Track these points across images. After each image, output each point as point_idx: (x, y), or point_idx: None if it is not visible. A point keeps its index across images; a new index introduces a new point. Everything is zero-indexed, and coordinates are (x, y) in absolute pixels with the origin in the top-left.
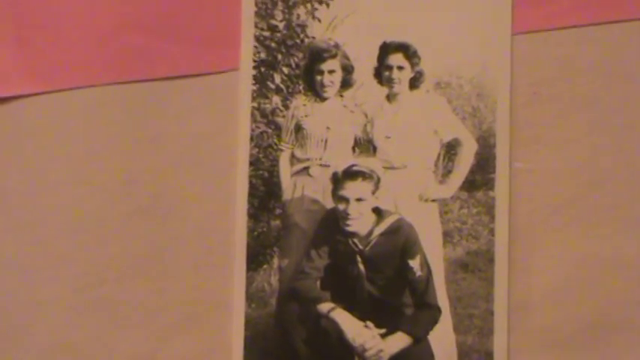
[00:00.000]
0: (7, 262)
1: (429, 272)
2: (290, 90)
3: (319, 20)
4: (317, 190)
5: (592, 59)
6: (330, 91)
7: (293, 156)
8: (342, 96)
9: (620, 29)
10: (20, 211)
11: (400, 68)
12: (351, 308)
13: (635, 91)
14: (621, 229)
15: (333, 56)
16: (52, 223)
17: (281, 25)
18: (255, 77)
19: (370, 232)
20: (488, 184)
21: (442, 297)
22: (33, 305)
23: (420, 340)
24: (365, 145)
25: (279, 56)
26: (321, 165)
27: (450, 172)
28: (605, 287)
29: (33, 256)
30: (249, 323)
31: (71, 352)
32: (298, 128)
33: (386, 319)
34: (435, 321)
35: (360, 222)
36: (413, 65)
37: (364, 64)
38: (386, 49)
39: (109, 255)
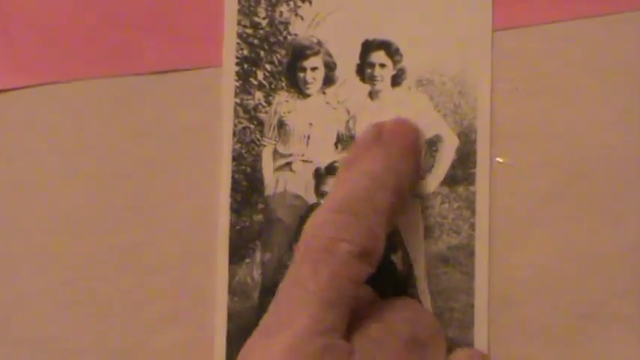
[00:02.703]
0: None
1: (410, 267)
2: (273, 86)
3: (302, 18)
4: (299, 185)
5: (573, 55)
6: (313, 88)
7: (276, 151)
8: (324, 93)
9: (602, 24)
10: (6, 204)
11: (382, 66)
12: None
13: (617, 85)
14: (602, 223)
15: (316, 53)
16: (38, 216)
17: (264, 23)
18: (237, 74)
19: None
20: (469, 179)
21: (423, 291)
22: (17, 298)
23: None
24: (347, 141)
25: (262, 53)
26: (303, 161)
27: (431, 167)
28: (586, 281)
29: (18, 249)
30: (231, 316)
31: (55, 345)
32: (281, 124)
33: None
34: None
35: None
36: (395, 63)
37: (346, 62)
38: (368, 47)
39: (93, 249)
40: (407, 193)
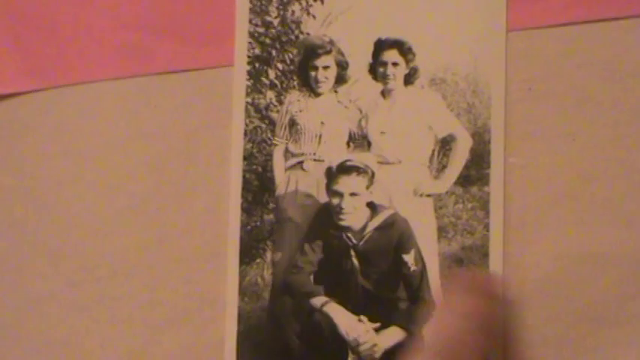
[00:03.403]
0: (1, 258)
1: (424, 267)
2: (284, 85)
3: (314, 17)
4: (311, 184)
5: (587, 56)
6: (325, 87)
7: (287, 151)
8: (336, 91)
9: (616, 26)
10: (15, 207)
11: (395, 64)
12: (345, 302)
13: (630, 87)
14: (616, 225)
15: (328, 52)
16: (47, 218)
17: (275, 22)
18: (249, 73)
19: (364, 227)
20: (483, 180)
21: (437, 291)
22: (27, 301)
23: (414, 335)
24: (359, 140)
25: (274, 52)
26: (315, 160)
27: (444, 167)
28: (600, 282)
29: (27, 252)
30: (242, 317)
31: (64, 347)
32: (292, 123)
33: (380, 313)
34: (429, 315)
35: (354, 216)
36: (408, 61)
37: (359, 60)
38: (381, 46)
39: (102, 250)
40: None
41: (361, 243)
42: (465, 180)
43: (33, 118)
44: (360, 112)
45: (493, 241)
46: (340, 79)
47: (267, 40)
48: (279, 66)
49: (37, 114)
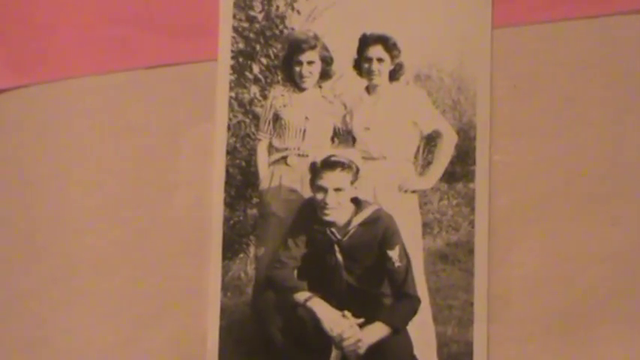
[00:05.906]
0: None
1: (409, 263)
2: (268, 80)
3: (298, 12)
4: (295, 179)
5: (572, 53)
6: (309, 82)
7: (271, 145)
8: (321, 87)
9: (601, 24)
10: None
11: (380, 60)
12: (328, 298)
13: (614, 84)
14: (600, 222)
15: (313, 47)
16: (30, 214)
17: (260, 16)
18: (233, 67)
19: (349, 222)
20: (469, 176)
21: (421, 287)
22: (9, 297)
23: (398, 331)
24: (344, 135)
25: (258, 47)
26: (299, 155)
27: (429, 163)
28: (584, 279)
29: (9, 248)
30: (224, 312)
31: (47, 343)
32: (276, 118)
33: (364, 309)
34: (414, 311)
35: (338, 212)
36: (393, 57)
37: (344, 56)
38: (365, 41)
39: (85, 245)
40: None
41: (345, 238)
42: (450, 176)
43: (16, 115)
44: (345, 107)
45: (478, 237)
46: (325, 75)
47: (252, 35)
48: (264, 61)
49: (21, 110)
